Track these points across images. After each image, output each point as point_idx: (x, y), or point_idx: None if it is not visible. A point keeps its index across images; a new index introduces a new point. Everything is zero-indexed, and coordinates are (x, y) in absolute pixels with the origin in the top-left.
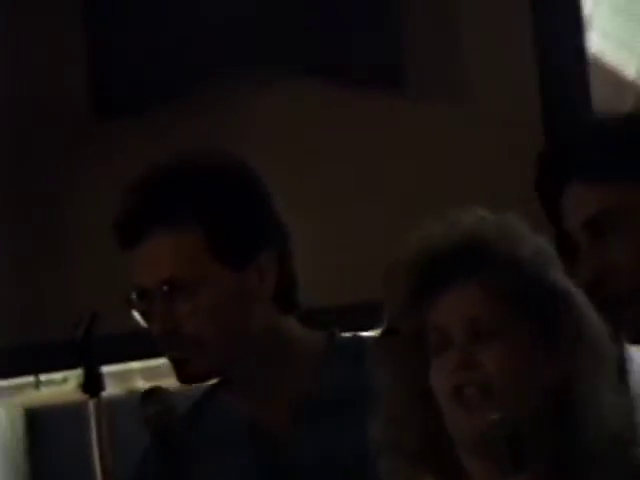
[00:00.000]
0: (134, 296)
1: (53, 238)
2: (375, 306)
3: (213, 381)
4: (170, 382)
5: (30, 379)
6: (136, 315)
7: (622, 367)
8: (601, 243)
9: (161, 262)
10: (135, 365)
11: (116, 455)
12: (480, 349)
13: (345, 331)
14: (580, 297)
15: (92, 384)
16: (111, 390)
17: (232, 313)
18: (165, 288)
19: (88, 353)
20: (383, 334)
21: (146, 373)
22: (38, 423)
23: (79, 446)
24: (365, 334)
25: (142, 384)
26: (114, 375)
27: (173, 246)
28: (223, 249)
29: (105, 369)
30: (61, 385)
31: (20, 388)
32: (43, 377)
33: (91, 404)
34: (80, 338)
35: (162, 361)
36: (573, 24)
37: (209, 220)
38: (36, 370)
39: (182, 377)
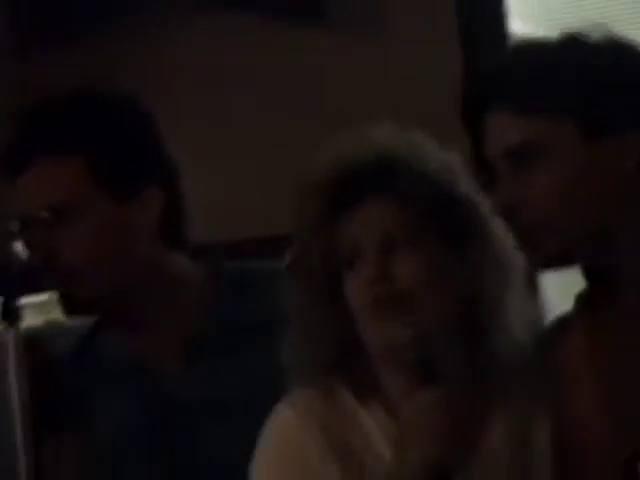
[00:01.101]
0: (16, 227)
1: None
2: (270, 240)
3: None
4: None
5: None
6: (18, 247)
7: (531, 281)
8: (519, 173)
9: (42, 188)
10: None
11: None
12: (393, 261)
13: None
14: (486, 208)
15: (10, 313)
16: (31, 320)
17: (112, 244)
18: (45, 215)
19: (7, 282)
20: (295, 247)
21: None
22: None
23: None
24: (253, 263)
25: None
26: (34, 306)
27: (55, 172)
28: (106, 179)
29: (25, 300)
30: None
31: None
32: None
33: (10, 333)
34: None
35: None
36: None
37: (93, 149)
38: None
39: (66, 309)
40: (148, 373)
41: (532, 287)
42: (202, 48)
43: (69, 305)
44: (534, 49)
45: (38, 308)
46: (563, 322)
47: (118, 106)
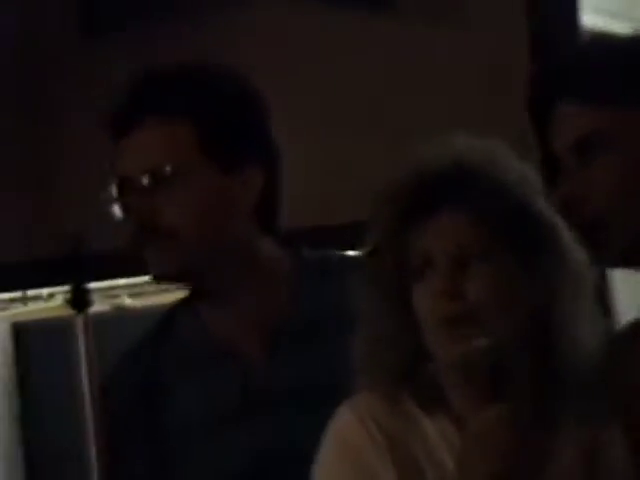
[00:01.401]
0: (114, 189)
1: (40, 156)
2: (355, 228)
3: (185, 294)
4: (155, 300)
5: (18, 294)
6: (115, 209)
7: (603, 294)
8: (588, 164)
9: (149, 150)
10: (121, 282)
11: (101, 370)
12: (464, 277)
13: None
14: (563, 226)
15: (80, 300)
16: (98, 306)
17: (211, 213)
18: (148, 177)
19: (76, 269)
20: (368, 253)
21: (132, 290)
22: (25, 337)
23: (65, 361)
24: (332, 252)
25: (128, 301)
26: (101, 292)
27: (163, 135)
28: (212, 148)
29: (92, 285)
30: (48, 301)
31: (8, 303)
32: (30, 293)
33: (79, 319)
34: (68, 254)
35: (147, 279)
36: None
37: (203, 116)
38: (24, 286)
39: (155, 272)
40: (235, 359)
41: (603, 300)
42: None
43: (156, 268)
44: (607, 42)
45: (105, 293)
46: (635, 328)
47: (232, 81)
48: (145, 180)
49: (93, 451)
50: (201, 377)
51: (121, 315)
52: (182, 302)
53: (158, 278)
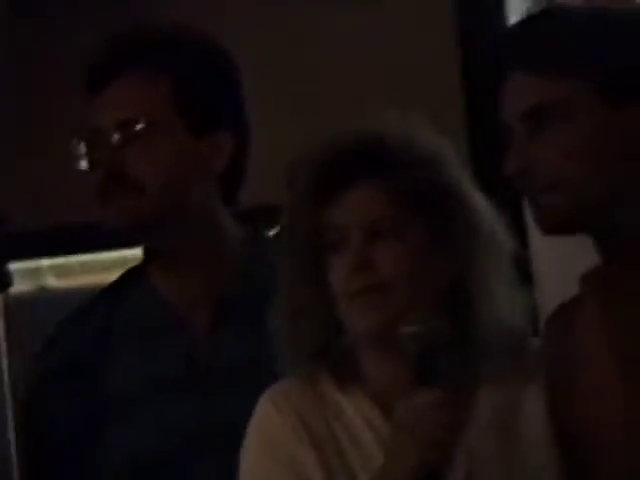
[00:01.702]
0: (83, 142)
1: None
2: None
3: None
4: (80, 281)
5: None
6: (82, 163)
7: (524, 264)
8: (535, 135)
9: (125, 102)
10: (45, 263)
11: (24, 350)
12: (377, 250)
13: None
14: (475, 197)
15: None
16: (21, 286)
17: (178, 172)
18: (120, 130)
19: None
20: (283, 229)
21: (57, 271)
22: None
23: None
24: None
25: (52, 281)
26: (24, 272)
27: (140, 89)
28: (188, 107)
29: (15, 266)
30: None
31: None
32: None
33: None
34: None
35: (73, 259)
36: None
37: (182, 75)
38: None
39: (114, 224)
40: (181, 328)
41: (524, 269)
42: None
43: (122, 217)
44: (558, 12)
45: (27, 274)
46: (571, 305)
47: (213, 46)
48: (116, 133)
49: (11, 433)
50: (148, 343)
51: (44, 295)
52: (134, 269)
53: (115, 230)
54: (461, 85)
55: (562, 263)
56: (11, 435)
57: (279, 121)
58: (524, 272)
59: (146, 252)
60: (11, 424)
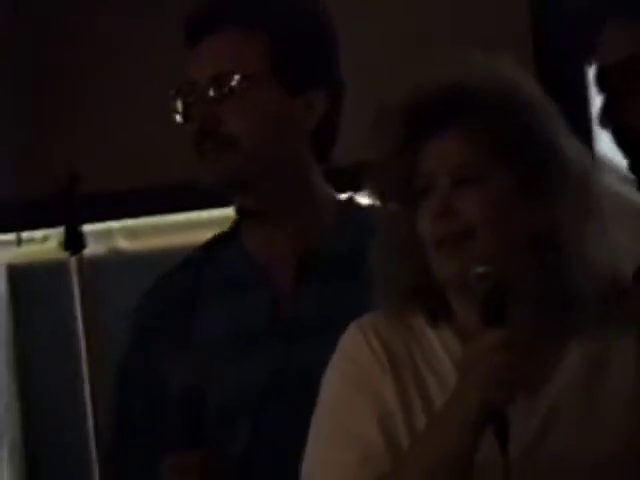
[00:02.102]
0: (179, 94)
1: (35, 94)
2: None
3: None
4: (151, 242)
5: (12, 237)
6: (177, 114)
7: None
8: (631, 84)
9: (222, 56)
10: (116, 225)
11: (97, 312)
12: (462, 196)
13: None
14: (568, 144)
15: (74, 242)
16: (93, 249)
17: (272, 128)
18: (215, 84)
19: (70, 211)
20: (374, 174)
21: (127, 233)
22: (20, 279)
23: (59, 302)
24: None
25: (123, 244)
26: (96, 234)
27: (238, 44)
28: (284, 65)
29: (86, 228)
30: (42, 243)
31: (2, 245)
32: (25, 235)
33: (73, 261)
34: (62, 196)
35: (143, 221)
36: None
37: (280, 33)
38: (18, 228)
39: (209, 179)
40: (266, 284)
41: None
42: None
43: (212, 171)
44: None
45: (100, 236)
46: None
47: (309, 5)
48: (212, 87)
49: (88, 392)
50: (232, 298)
51: (116, 258)
52: (225, 234)
53: (210, 185)
54: (531, 37)
55: None
56: (87, 396)
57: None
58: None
59: (238, 211)
60: (87, 387)
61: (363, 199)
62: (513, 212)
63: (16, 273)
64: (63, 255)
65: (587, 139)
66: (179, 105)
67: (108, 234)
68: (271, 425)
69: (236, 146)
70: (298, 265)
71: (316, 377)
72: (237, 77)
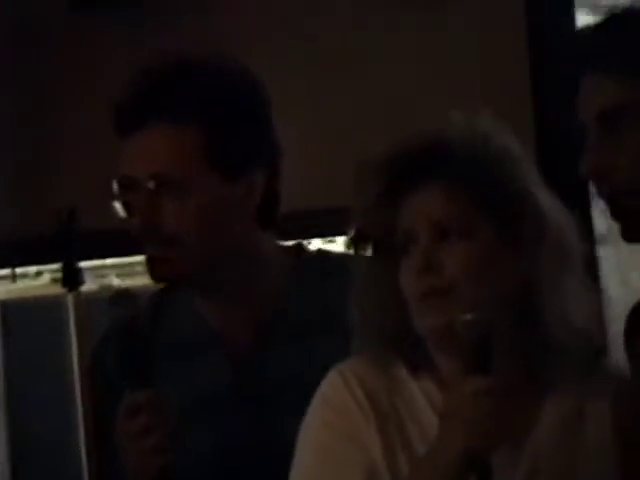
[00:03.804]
0: (117, 186)
1: (35, 129)
2: (343, 211)
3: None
4: (143, 281)
5: (6, 272)
6: (117, 206)
7: (592, 266)
8: (610, 137)
9: (156, 154)
10: (109, 262)
11: (90, 348)
12: (443, 250)
13: (314, 237)
14: (545, 197)
15: (71, 278)
16: (86, 285)
17: (216, 219)
18: (152, 183)
19: (68, 247)
20: (354, 236)
21: (120, 270)
22: (13, 314)
23: (54, 337)
24: (330, 250)
25: (116, 281)
26: (88, 271)
27: (171, 140)
28: (220, 155)
29: (82, 264)
30: (35, 279)
31: None
32: (18, 270)
33: (70, 297)
34: (60, 232)
35: (137, 259)
36: None
37: (212, 124)
38: (13, 263)
39: (157, 274)
40: (224, 349)
41: (591, 273)
42: None
43: (158, 271)
44: (629, 16)
45: (93, 273)
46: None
47: (238, 78)
48: (150, 184)
49: (81, 431)
50: (192, 362)
51: (109, 294)
52: (166, 288)
53: (158, 281)
54: (530, 86)
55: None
56: (81, 430)
57: (342, 122)
58: (591, 273)
59: (189, 285)
60: (81, 418)
61: (330, 246)
62: (495, 263)
63: (9, 308)
64: (58, 290)
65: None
66: (118, 195)
67: (100, 271)
68: None
69: (179, 244)
70: (258, 328)
71: (285, 444)
72: (174, 177)
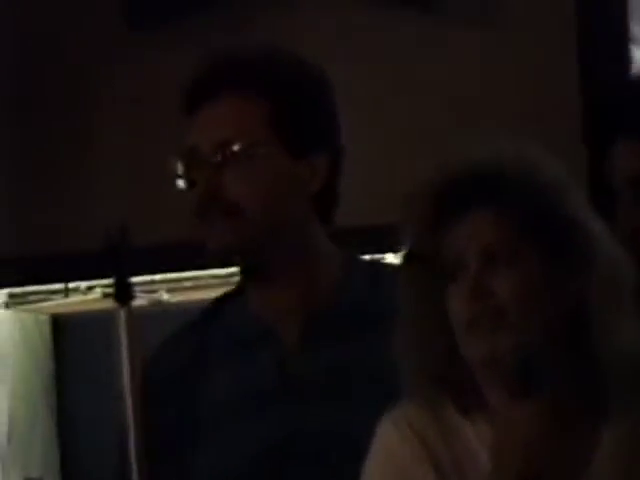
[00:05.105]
0: (181, 162)
1: (86, 147)
2: (394, 229)
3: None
4: (193, 295)
5: (59, 286)
6: (179, 182)
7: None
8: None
9: (224, 121)
10: (159, 277)
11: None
12: (493, 277)
13: (365, 253)
14: (597, 226)
15: (123, 293)
16: (137, 301)
17: (276, 194)
18: (219, 151)
19: (119, 262)
20: (405, 258)
21: (170, 285)
22: (64, 329)
23: (102, 352)
24: (382, 260)
25: (166, 296)
26: (139, 286)
27: (239, 111)
28: (286, 130)
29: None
30: (86, 294)
31: (49, 295)
32: (71, 285)
33: (122, 312)
34: (111, 247)
35: (186, 274)
36: None
37: (280, 97)
38: (65, 278)
39: (213, 246)
40: (273, 343)
41: None
42: None
43: (214, 241)
44: None
45: (143, 288)
46: None
47: (309, 68)
48: (215, 153)
49: (132, 444)
50: (240, 357)
51: (159, 310)
52: (232, 292)
53: (214, 252)
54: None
55: None
56: (131, 443)
57: (390, 147)
58: None
59: (242, 272)
60: (132, 433)
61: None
62: (544, 289)
63: (60, 323)
64: (108, 305)
65: None
66: (181, 170)
67: (151, 286)
68: None
69: (241, 213)
70: (304, 323)
71: (332, 437)
72: (241, 144)
